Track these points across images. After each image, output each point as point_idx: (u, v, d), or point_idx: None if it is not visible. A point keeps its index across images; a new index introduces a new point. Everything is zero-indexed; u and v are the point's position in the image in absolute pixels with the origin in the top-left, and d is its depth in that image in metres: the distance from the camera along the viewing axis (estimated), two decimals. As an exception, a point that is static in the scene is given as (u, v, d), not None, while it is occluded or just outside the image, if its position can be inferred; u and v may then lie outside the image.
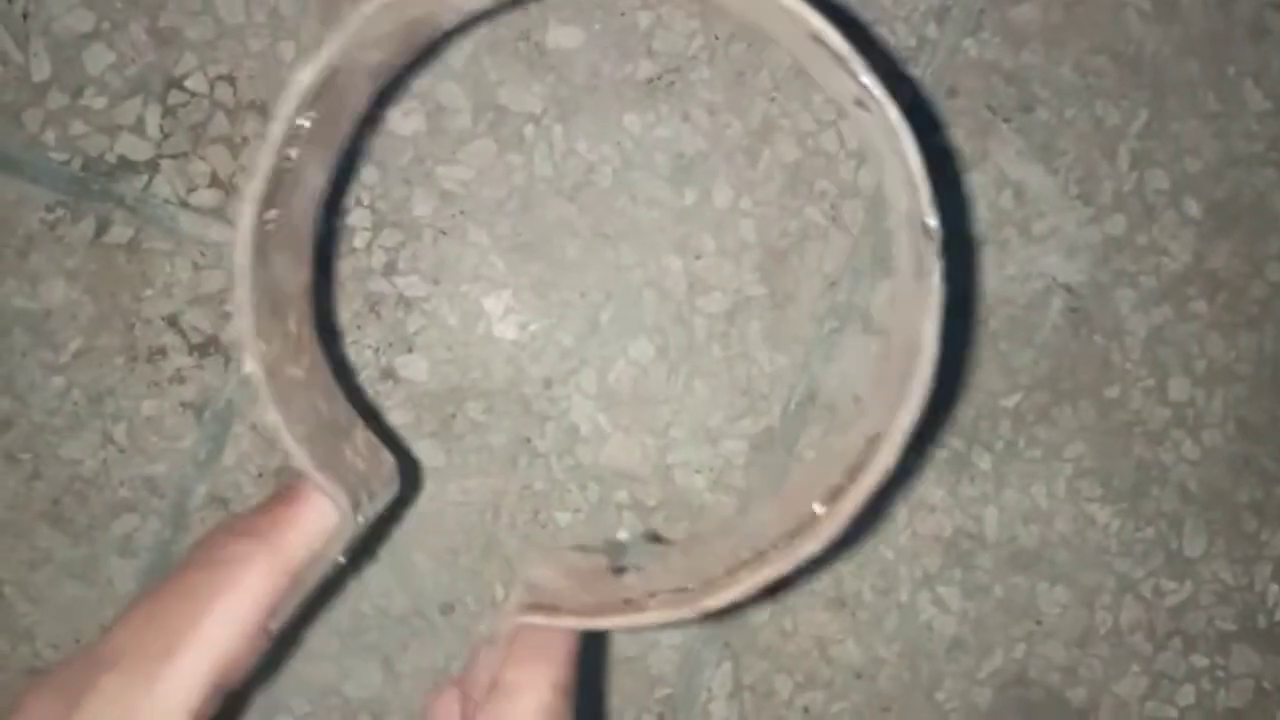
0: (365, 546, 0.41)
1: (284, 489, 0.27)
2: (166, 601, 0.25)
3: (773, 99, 0.42)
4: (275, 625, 0.26)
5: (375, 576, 0.42)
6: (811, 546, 0.25)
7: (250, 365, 0.25)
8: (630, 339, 0.42)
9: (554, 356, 0.42)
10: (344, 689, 0.42)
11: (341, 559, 0.28)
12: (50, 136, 0.40)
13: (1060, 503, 0.44)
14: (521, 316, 0.42)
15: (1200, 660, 0.45)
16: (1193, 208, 0.44)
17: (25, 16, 0.40)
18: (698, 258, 0.42)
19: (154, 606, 0.25)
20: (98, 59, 0.40)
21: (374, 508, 0.29)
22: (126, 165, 0.41)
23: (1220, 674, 0.45)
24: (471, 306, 0.42)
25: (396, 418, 0.41)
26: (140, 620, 0.25)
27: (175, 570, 0.26)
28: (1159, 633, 0.44)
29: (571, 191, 0.42)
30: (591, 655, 0.42)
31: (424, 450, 0.41)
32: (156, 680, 0.24)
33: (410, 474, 0.41)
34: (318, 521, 0.26)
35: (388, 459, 0.30)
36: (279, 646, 0.27)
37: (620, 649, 0.43)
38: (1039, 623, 0.44)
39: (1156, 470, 0.44)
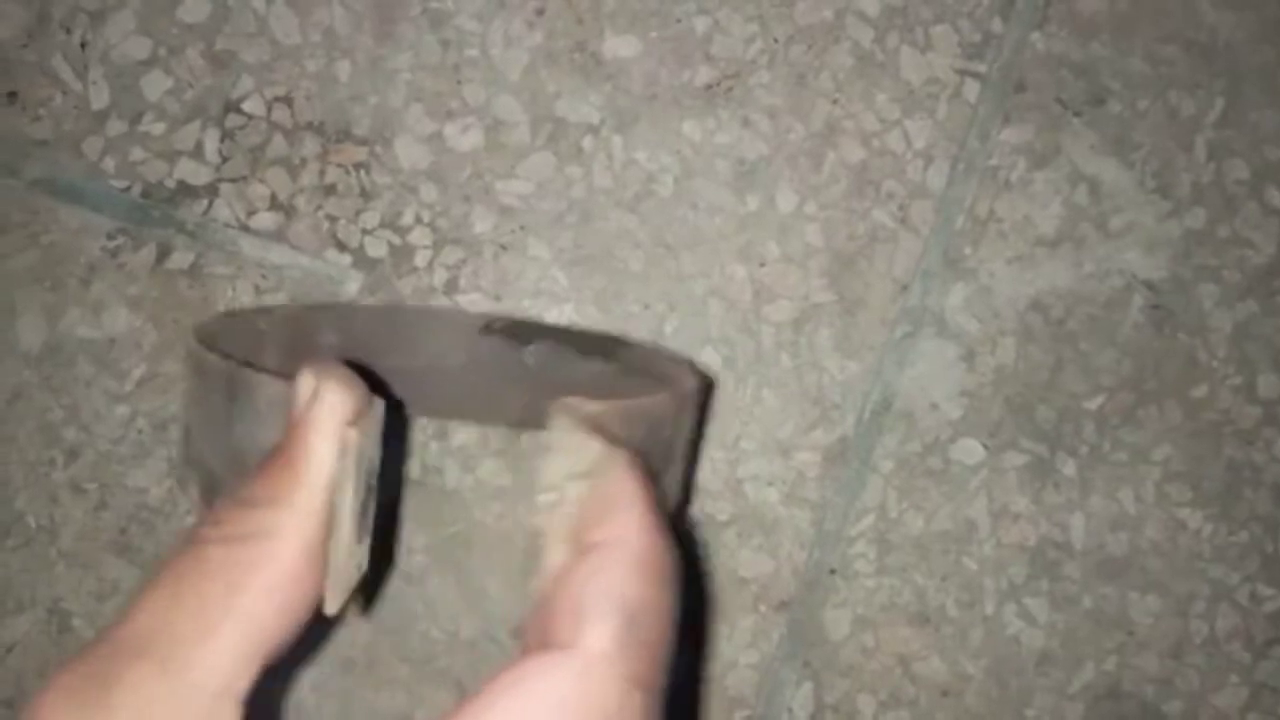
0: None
1: (281, 447, 0.24)
2: (192, 582, 0.22)
3: (835, 100, 0.41)
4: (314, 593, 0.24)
5: (444, 600, 0.41)
6: None
7: None
8: (696, 350, 0.41)
9: (619, 371, 0.41)
10: (416, 716, 0.41)
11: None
12: (110, 164, 0.40)
13: (1149, 508, 0.42)
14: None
15: (1303, 669, 0.43)
16: (1275, 197, 0.42)
17: (83, 45, 0.40)
18: (762, 265, 0.41)
19: (177, 588, 0.22)
20: (155, 85, 0.40)
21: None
22: (186, 190, 0.40)
23: (1324, 684, 0.43)
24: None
25: (461, 438, 0.41)
26: (163, 603, 0.22)
27: (187, 551, 0.23)
28: (1258, 640, 0.42)
29: (632, 202, 0.41)
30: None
31: (490, 470, 0.41)
32: (192, 665, 0.21)
33: (476, 500, 0.41)
34: (327, 469, 0.24)
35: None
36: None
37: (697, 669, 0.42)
38: (1131, 633, 0.42)
39: (1249, 471, 0.42)
